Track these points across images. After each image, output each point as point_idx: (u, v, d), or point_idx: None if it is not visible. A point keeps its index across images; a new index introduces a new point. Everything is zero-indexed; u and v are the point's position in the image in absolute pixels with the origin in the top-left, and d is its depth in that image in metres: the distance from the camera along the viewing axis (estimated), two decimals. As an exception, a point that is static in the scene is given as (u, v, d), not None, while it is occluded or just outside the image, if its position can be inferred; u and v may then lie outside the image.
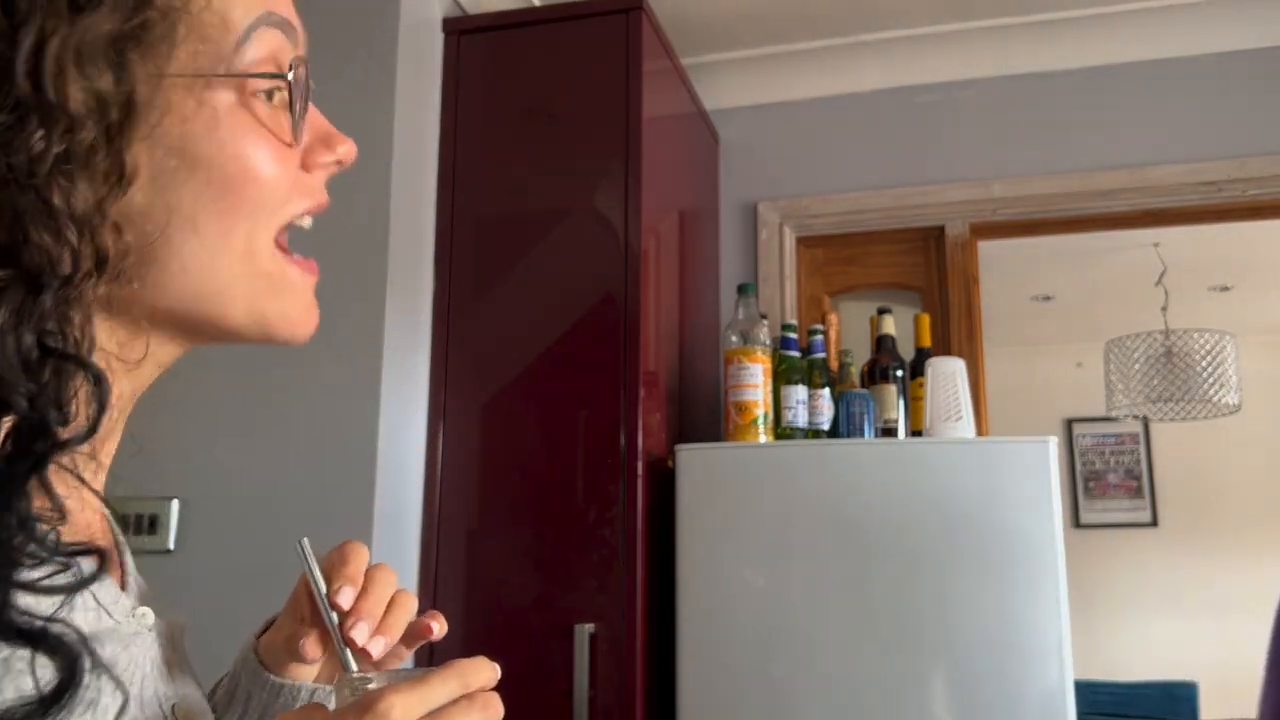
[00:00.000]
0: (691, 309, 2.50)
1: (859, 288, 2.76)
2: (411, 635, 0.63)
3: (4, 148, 0.44)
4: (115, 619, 0.53)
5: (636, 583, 1.96)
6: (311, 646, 0.62)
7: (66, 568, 0.47)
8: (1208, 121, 2.54)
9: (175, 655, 0.61)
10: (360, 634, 0.59)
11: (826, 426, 2.24)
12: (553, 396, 2.08)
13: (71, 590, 0.47)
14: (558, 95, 2.22)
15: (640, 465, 2.01)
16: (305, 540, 0.62)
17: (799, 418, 2.22)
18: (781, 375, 2.24)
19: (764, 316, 2.34)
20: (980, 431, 2.37)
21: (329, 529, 1.89)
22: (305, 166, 0.57)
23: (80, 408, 0.47)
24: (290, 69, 0.54)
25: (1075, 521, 5.38)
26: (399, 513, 1.99)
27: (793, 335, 2.28)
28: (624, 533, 1.98)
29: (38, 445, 0.45)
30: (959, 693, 1.88)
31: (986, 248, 2.72)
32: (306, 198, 0.57)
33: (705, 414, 2.50)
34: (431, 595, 2.04)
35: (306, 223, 0.58)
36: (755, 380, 2.16)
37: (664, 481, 2.11)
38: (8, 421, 0.45)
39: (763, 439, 2.14)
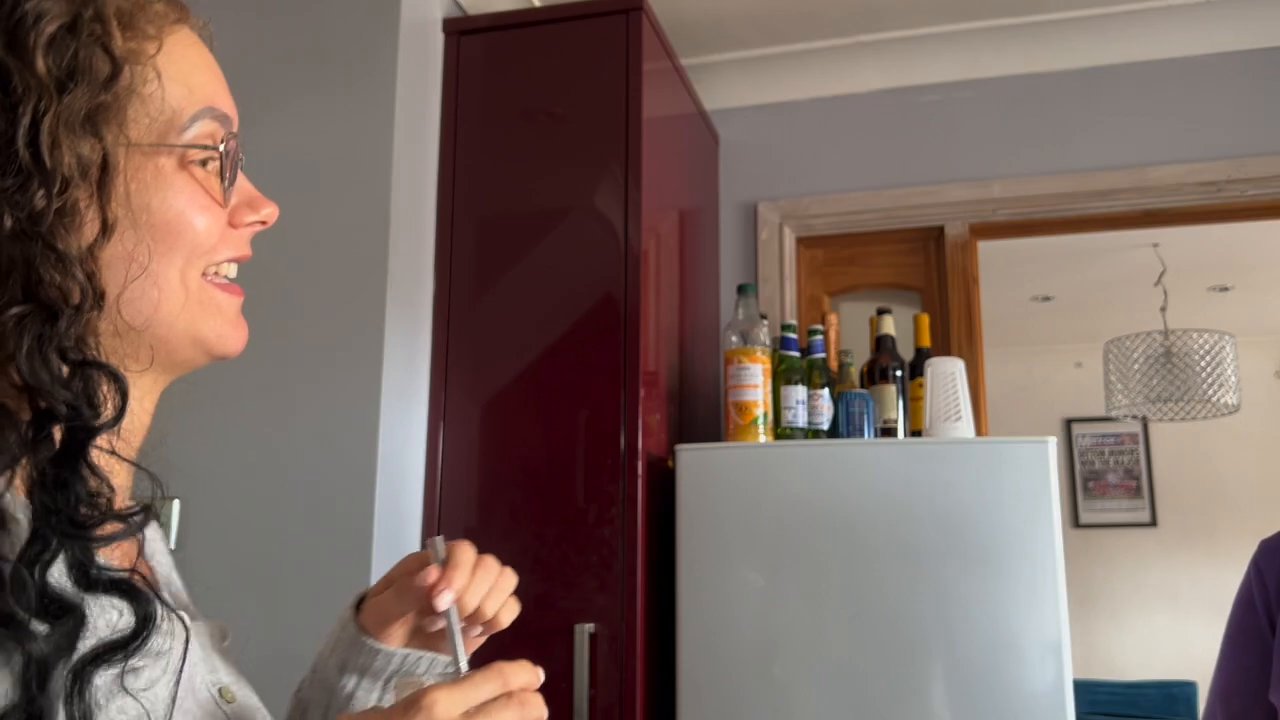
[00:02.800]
0: (691, 309, 2.50)
1: (859, 288, 2.76)
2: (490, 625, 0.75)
3: (12, 206, 0.55)
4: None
5: (636, 583, 1.96)
6: (429, 592, 0.71)
7: (126, 528, 0.58)
8: (1207, 121, 2.54)
9: (217, 652, 0.70)
10: (443, 600, 0.70)
11: (826, 426, 2.24)
12: (553, 396, 2.08)
13: (132, 532, 0.58)
14: (558, 95, 2.22)
15: (640, 465, 2.01)
16: (439, 538, 0.73)
17: (799, 418, 2.22)
18: (781, 375, 2.24)
19: (764, 316, 2.34)
20: (980, 431, 2.37)
21: (329, 529, 1.89)
22: (233, 223, 0.68)
23: (108, 402, 0.58)
24: (223, 143, 0.66)
25: (1074, 521, 5.39)
26: (399, 513, 2.00)
27: (792, 335, 2.29)
28: (624, 533, 1.98)
29: (80, 435, 0.56)
30: (958, 692, 1.89)
31: (986, 248, 2.72)
32: (231, 249, 0.68)
33: (705, 414, 2.51)
34: (431, 595, 2.04)
35: (231, 271, 0.69)
36: (755, 380, 2.17)
37: (664, 481, 2.11)
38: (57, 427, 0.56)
39: (762, 439, 2.15)
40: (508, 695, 0.61)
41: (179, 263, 0.64)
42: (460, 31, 2.26)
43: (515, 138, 2.22)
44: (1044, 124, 2.64)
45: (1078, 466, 5.49)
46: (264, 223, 0.70)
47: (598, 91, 2.18)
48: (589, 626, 1.95)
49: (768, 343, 2.21)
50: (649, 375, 2.11)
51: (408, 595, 0.74)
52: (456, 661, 0.67)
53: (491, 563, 0.74)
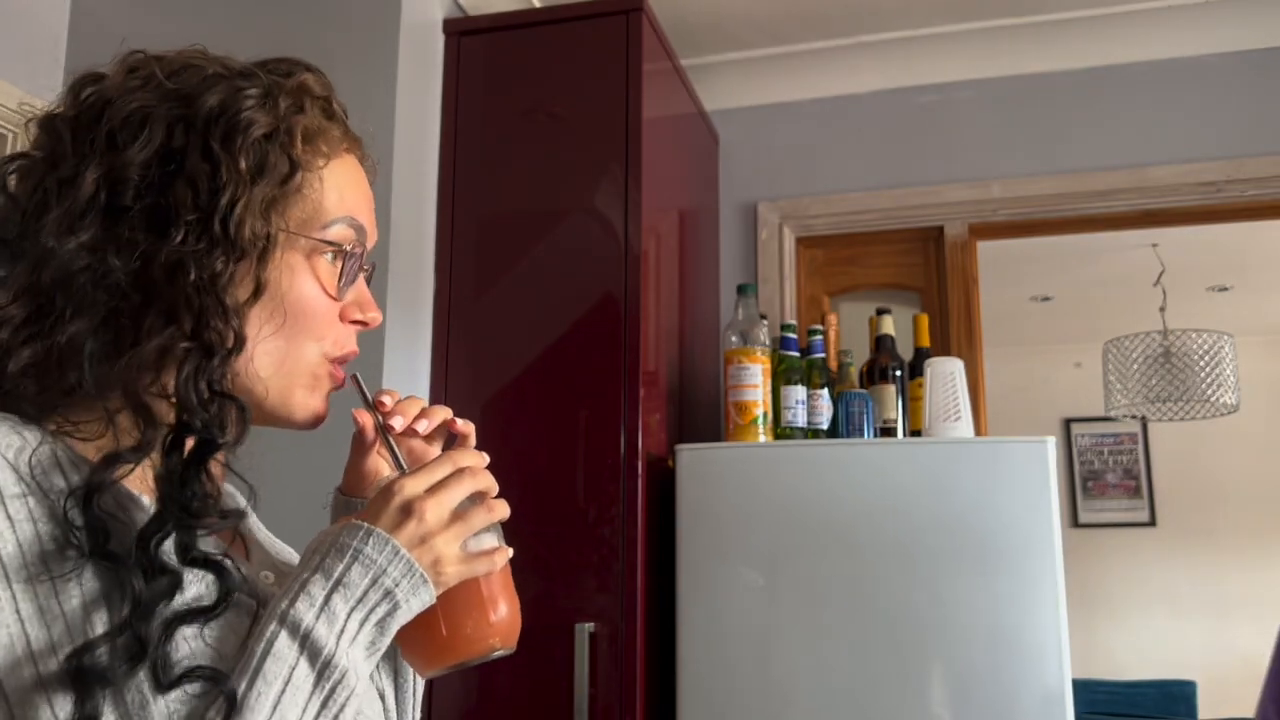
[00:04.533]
0: (691, 309, 2.50)
1: (858, 288, 2.77)
2: (441, 430, 0.86)
3: (198, 265, 0.71)
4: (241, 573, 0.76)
5: (636, 582, 1.97)
6: (365, 427, 0.86)
7: (225, 521, 0.73)
8: (1206, 122, 2.54)
9: None
10: (396, 423, 0.82)
11: (826, 426, 2.24)
12: (553, 396, 2.08)
13: (228, 526, 0.75)
14: (558, 95, 2.22)
15: (640, 465, 2.01)
16: (357, 374, 0.84)
17: (798, 418, 2.22)
18: (781, 375, 2.24)
19: (764, 317, 2.34)
20: (979, 431, 2.37)
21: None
22: (341, 317, 0.80)
23: (233, 426, 0.72)
24: (350, 245, 0.80)
25: (1074, 521, 5.39)
26: (399, 512, 2.00)
27: (792, 335, 2.29)
28: (624, 533, 1.99)
29: (207, 448, 0.71)
30: (958, 692, 1.89)
31: (985, 248, 2.72)
32: (337, 339, 0.80)
33: (705, 414, 2.51)
34: (432, 595, 2.04)
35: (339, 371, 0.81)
36: (755, 380, 2.17)
37: (664, 481, 2.11)
38: (190, 439, 0.71)
39: (762, 439, 2.15)
40: (460, 471, 0.75)
41: (284, 339, 0.76)
42: (461, 32, 2.27)
43: (515, 138, 2.22)
44: (1044, 124, 2.64)
45: (1077, 466, 5.49)
46: (366, 324, 0.82)
47: (598, 91, 2.18)
48: (589, 626, 1.95)
49: (767, 343, 2.21)
50: (649, 375, 2.11)
51: (361, 449, 0.88)
52: (401, 466, 0.80)
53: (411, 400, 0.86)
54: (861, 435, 2.17)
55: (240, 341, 0.73)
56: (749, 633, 1.99)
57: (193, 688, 0.65)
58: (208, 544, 0.72)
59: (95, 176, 0.72)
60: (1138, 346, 3.75)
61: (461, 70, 2.24)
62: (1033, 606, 1.88)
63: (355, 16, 2.10)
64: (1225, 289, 4.56)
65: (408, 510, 0.72)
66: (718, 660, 2.00)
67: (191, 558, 0.69)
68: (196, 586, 0.69)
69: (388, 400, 0.83)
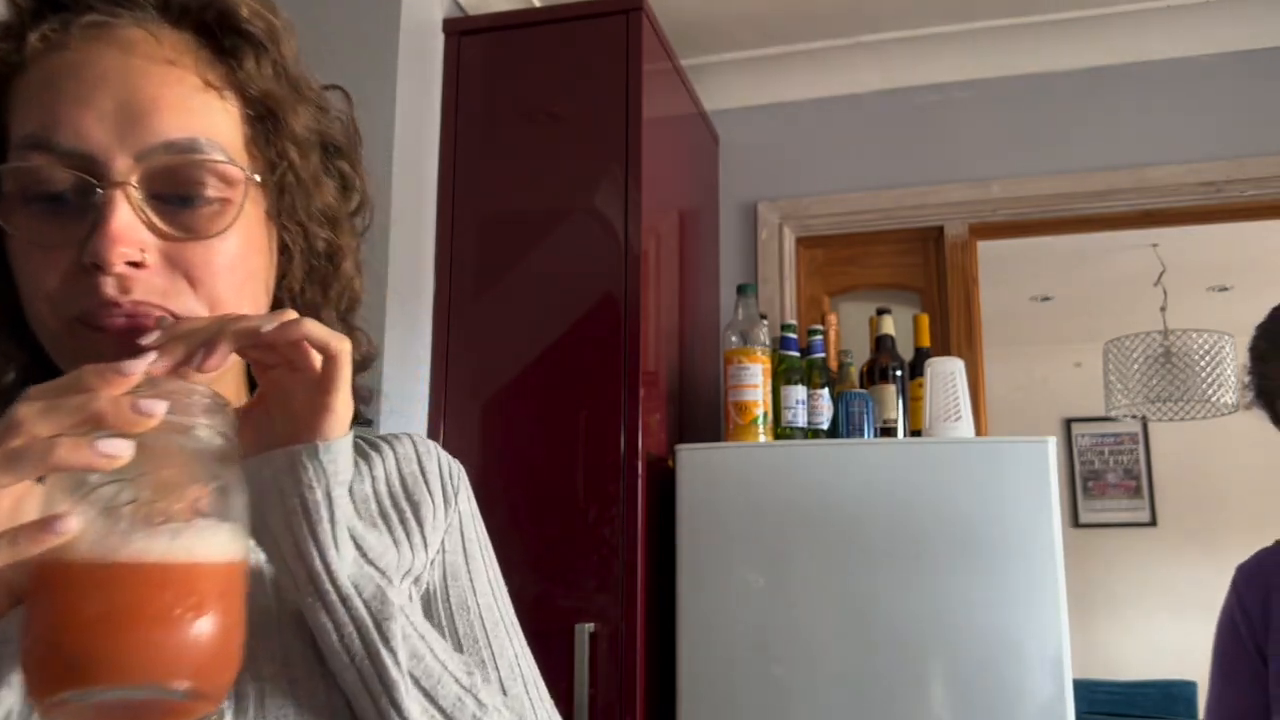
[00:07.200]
0: (691, 309, 2.50)
1: (858, 288, 2.77)
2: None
3: None
4: None
5: (636, 583, 1.97)
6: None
7: None
8: (1207, 122, 2.54)
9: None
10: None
11: (826, 426, 2.24)
12: (553, 396, 2.08)
13: None
14: (558, 95, 2.22)
15: (640, 465, 2.01)
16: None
17: (798, 418, 2.22)
18: (781, 375, 2.24)
19: (764, 317, 2.34)
20: (979, 431, 2.37)
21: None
22: (84, 261, 0.59)
23: None
24: (21, 172, 0.60)
25: (1074, 521, 5.39)
26: (399, 512, 1.99)
27: (792, 335, 2.29)
28: (624, 533, 1.98)
29: None
30: (958, 692, 1.89)
31: (986, 248, 2.72)
32: (67, 294, 0.59)
33: (705, 414, 2.51)
34: (432, 595, 2.04)
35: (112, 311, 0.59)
36: (755, 380, 2.17)
37: (664, 481, 2.11)
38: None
39: (762, 439, 2.15)
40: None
41: (34, 302, 0.61)
42: (460, 32, 2.27)
43: (515, 138, 2.22)
44: (1044, 124, 2.64)
45: (1077, 466, 5.50)
46: (93, 263, 0.58)
47: (598, 91, 2.18)
48: (589, 626, 1.95)
49: (767, 343, 2.21)
50: (649, 375, 2.11)
51: None
52: None
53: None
54: (861, 435, 2.17)
55: None
56: (749, 633, 1.99)
57: None
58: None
59: None
60: (1138, 346, 3.75)
61: (461, 70, 2.24)
62: (1033, 607, 1.88)
63: (355, 16, 2.10)
64: (1225, 289, 4.56)
65: None
66: (718, 660, 2.00)
67: None
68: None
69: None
